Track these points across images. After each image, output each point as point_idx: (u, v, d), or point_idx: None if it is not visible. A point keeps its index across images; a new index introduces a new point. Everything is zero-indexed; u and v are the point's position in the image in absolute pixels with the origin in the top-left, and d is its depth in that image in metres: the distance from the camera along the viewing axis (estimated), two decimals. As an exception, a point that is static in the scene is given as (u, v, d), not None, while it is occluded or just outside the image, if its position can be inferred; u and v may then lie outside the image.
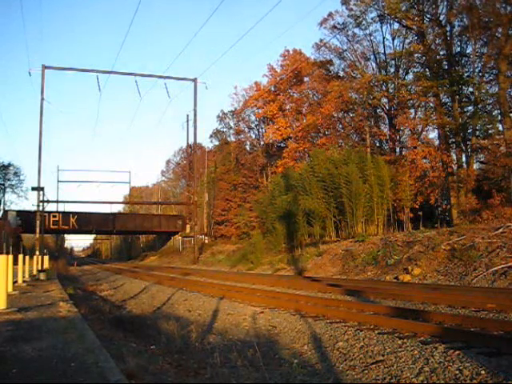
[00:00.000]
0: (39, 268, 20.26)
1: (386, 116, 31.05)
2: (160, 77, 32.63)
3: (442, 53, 26.86)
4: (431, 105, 27.65)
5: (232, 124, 51.07)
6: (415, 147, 26.63)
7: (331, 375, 4.94)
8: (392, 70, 30.84)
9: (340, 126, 35.14)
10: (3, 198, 48.24)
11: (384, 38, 30.44)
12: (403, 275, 13.76)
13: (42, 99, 29.57)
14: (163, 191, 74.98)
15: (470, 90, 26.13)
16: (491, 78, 25.16)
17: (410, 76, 29.67)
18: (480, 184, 23.78)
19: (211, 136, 54.48)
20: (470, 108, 25.72)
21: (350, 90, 30.65)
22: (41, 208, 27.39)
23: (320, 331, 6.64)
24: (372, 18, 29.64)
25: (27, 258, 16.87)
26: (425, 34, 26.35)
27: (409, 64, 29.09)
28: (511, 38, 21.62)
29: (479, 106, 24.71)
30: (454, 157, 25.85)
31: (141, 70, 33.74)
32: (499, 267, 11.32)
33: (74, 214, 44.53)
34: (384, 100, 30.29)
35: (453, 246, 13.97)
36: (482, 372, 4.17)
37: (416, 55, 27.76)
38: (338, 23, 31.62)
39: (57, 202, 40.59)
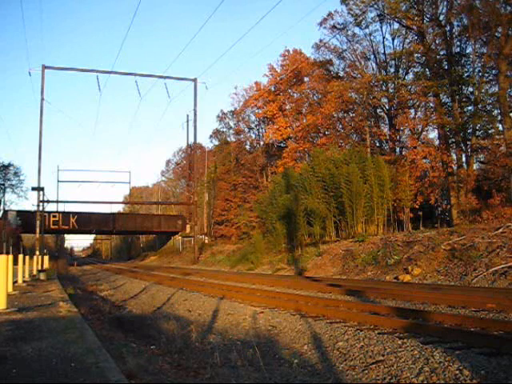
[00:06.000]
0: (39, 268, 20.26)
1: (386, 116, 31.04)
2: (160, 77, 32.71)
3: (441, 53, 26.87)
4: (431, 105, 27.66)
5: (232, 124, 51.13)
6: (415, 147, 26.61)
7: (331, 375, 4.94)
8: (392, 70, 30.84)
9: (340, 126, 35.12)
10: (3, 198, 48.27)
11: (384, 37, 30.49)
12: (403, 275, 13.76)
13: (42, 99, 29.63)
14: (163, 191, 74.97)
15: (470, 89, 26.19)
16: (491, 77, 25.17)
17: (410, 76, 29.72)
18: (480, 184, 23.77)
19: (211, 136, 54.59)
20: (470, 108, 25.74)
21: (350, 90, 30.64)
22: (41, 208, 27.37)
23: (320, 331, 6.64)
24: (372, 18, 29.67)
25: (27, 258, 16.88)
26: (425, 33, 26.35)
27: (409, 64, 29.09)
28: (511, 38, 21.63)
29: (479, 105, 24.70)
30: (454, 157, 25.86)
31: (141, 70, 33.80)
32: (499, 267, 11.31)
33: (73, 213, 44.51)
34: (384, 100, 30.28)
35: (453, 246, 13.97)
36: (482, 372, 4.17)
37: (416, 55, 27.77)
38: (338, 23, 31.67)
39: (57, 202, 40.60)
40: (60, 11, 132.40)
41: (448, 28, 25.80)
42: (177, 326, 7.79)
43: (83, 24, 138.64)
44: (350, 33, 31.56)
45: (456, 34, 26.26)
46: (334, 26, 31.82)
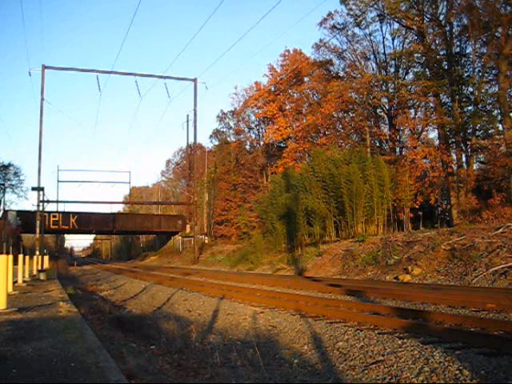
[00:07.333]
0: (39, 268, 20.24)
1: (386, 116, 31.03)
2: (160, 77, 32.73)
3: (441, 53, 26.87)
4: (431, 105, 27.68)
5: (232, 124, 51.10)
6: (415, 147, 26.62)
7: (331, 375, 4.94)
8: (392, 70, 30.85)
9: (340, 126, 35.13)
10: (3, 198, 48.26)
11: (384, 37, 30.49)
12: (403, 275, 13.76)
13: (42, 99, 29.64)
14: (163, 191, 74.98)
15: (470, 89, 26.19)
16: (491, 77, 25.17)
17: (410, 76, 29.71)
18: (480, 184, 23.78)
19: (211, 136, 54.56)
20: (470, 108, 25.75)
21: (350, 90, 30.64)
22: (41, 208, 27.35)
23: (320, 331, 6.64)
24: (372, 18, 29.69)
25: (27, 258, 16.87)
26: (425, 33, 26.35)
27: (409, 64, 29.09)
28: (511, 38, 21.63)
29: (479, 105, 24.71)
30: (454, 157, 25.86)
31: (141, 70, 33.82)
32: (499, 267, 11.31)
33: (74, 214, 44.50)
34: (384, 100, 30.28)
35: (453, 246, 13.97)
36: (482, 372, 4.17)
37: (416, 55, 27.77)
38: (338, 23, 31.67)
39: (57, 202, 40.62)
40: (60, 11, 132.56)
41: (448, 28, 25.82)
42: (177, 326, 7.78)
43: (83, 24, 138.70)
44: (349, 33, 31.62)
45: (456, 34, 26.28)
46: (333, 26, 31.84)
